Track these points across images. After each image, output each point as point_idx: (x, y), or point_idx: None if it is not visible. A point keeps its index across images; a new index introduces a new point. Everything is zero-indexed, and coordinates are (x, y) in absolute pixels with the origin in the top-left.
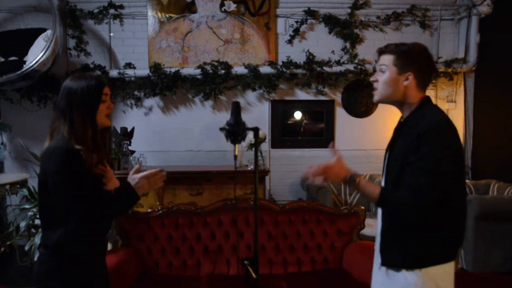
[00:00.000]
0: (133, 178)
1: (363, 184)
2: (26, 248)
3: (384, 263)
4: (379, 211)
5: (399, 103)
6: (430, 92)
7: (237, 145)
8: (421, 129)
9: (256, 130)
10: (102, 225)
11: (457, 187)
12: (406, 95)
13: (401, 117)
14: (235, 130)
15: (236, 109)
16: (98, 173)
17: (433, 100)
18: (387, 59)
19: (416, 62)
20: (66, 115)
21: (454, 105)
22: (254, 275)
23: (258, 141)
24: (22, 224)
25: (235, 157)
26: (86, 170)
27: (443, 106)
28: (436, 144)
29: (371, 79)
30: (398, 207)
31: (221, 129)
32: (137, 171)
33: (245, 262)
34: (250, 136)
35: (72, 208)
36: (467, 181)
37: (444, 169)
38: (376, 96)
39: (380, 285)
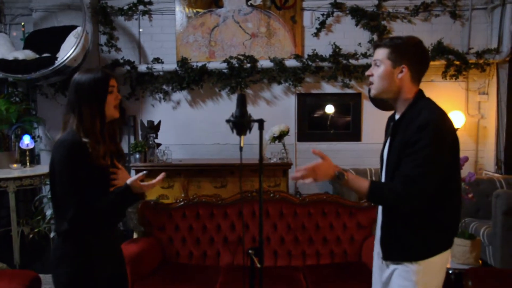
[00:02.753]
0: (134, 185)
1: (352, 178)
2: (51, 235)
3: (385, 257)
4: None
5: (395, 98)
6: (461, 84)
7: (242, 137)
8: (420, 123)
9: (261, 121)
10: (100, 220)
11: (452, 179)
12: (401, 89)
13: (394, 113)
14: (240, 122)
15: (242, 102)
16: (105, 165)
17: (464, 93)
18: (382, 53)
19: (410, 54)
20: (75, 108)
21: (486, 97)
22: (258, 265)
23: (262, 132)
24: (48, 213)
25: (241, 148)
26: (92, 163)
27: (475, 98)
28: (433, 137)
29: (366, 73)
30: (388, 199)
31: (227, 121)
32: (140, 179)
33: (250, 251)
34: (273, 129)
35: (70, 199)
36: (497, 175)
37: (439, 161)
38: (373, 91)
39: (380, 276)
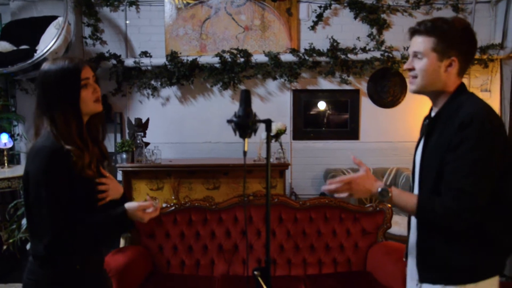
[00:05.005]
0: (132, 207)
1: (397, 195)
2: (28, 247)
3: (422, 279)
4: (412, 218)
5: (437, 93)
6: (462, 81)
7: (247, 140)
8: (461, 120)
9: (268, 122)
10: (84, 245)
11: (505, 188)
12: (446, 84)
13: (430, 109)
14: (244, 123)
15: (246, 99)
16: (92, 176)
17: None
18: (424, 43)
19: (460, 44)
20: (46, 112)
21: (488, 94)
22: None
23: (269, 135)
24: (25, 221)
25: (245, 153)
26: (77, 173)
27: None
28: (479, 137)
29: (406, 66)
30: (440, 216)
31: (229, 121)
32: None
33: (255, 273)
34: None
35: (48, 220)
36: None
37: (490, 165)
38: (414, 87)
39: None
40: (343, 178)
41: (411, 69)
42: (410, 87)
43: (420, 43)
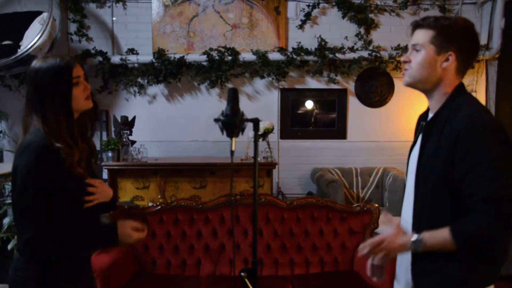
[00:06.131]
0: (124, 226)
1: (430, 238)
2: (9, 247)
3: (417, 287)
4: (404, 221)
5: (432, 90)
6: None
7: (234, 139)
8: (462, 124)
9: (256, 121)
10: (66, 247)
11: None
12: (442, 80)
13: (426, 111)
14: (231, 122)
15: (233, 97)
16: (81, 174)
17: None
18: (423, 35)
19: (459, 40)
20: (37, 111)
21: (474, 95)
22: None
23: (257, 134)
24: (6, 221)
25: (232, 152)
26: (66, 171)
27: None
28: (489, 140)
29: (402, 59)
30: (480, 237)
31: (216, 120)
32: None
33: (242, 274)
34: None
35: (32, 217)
36: None
37: (509, 165)
38: (407, 78)
39: None
40: (373, 240)
41: (407, 62)
42: (403, 79)
43: (420, 35)
